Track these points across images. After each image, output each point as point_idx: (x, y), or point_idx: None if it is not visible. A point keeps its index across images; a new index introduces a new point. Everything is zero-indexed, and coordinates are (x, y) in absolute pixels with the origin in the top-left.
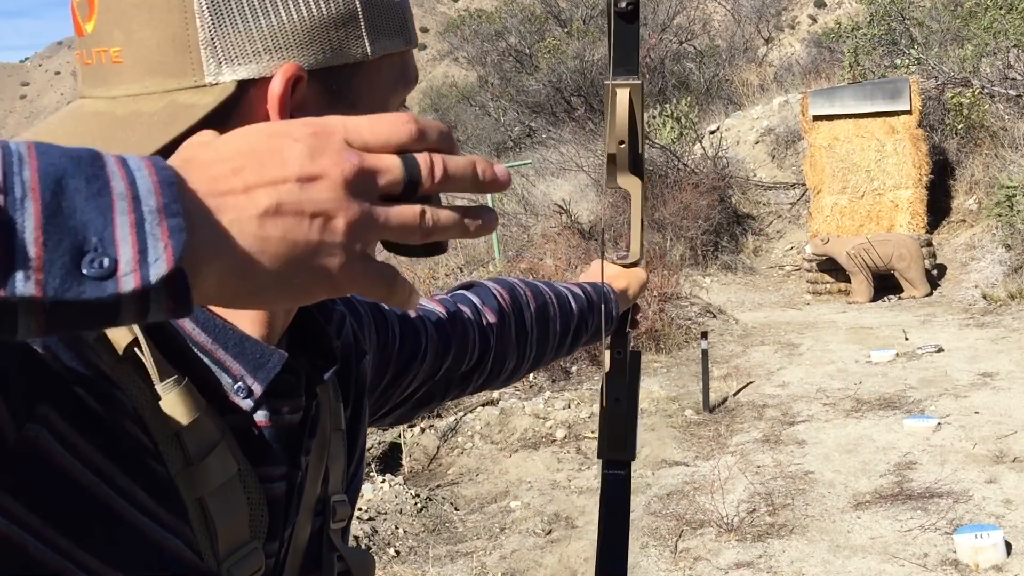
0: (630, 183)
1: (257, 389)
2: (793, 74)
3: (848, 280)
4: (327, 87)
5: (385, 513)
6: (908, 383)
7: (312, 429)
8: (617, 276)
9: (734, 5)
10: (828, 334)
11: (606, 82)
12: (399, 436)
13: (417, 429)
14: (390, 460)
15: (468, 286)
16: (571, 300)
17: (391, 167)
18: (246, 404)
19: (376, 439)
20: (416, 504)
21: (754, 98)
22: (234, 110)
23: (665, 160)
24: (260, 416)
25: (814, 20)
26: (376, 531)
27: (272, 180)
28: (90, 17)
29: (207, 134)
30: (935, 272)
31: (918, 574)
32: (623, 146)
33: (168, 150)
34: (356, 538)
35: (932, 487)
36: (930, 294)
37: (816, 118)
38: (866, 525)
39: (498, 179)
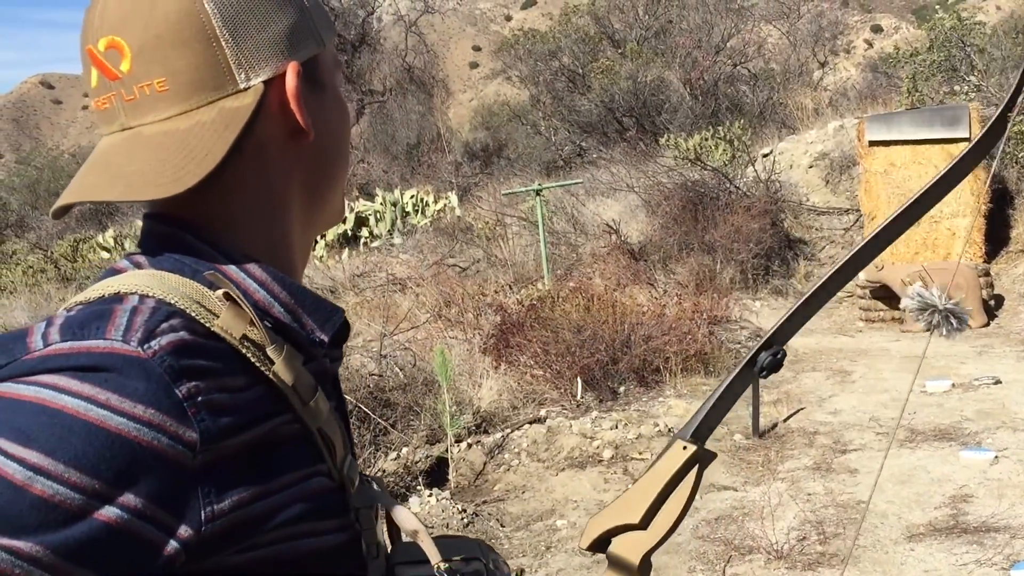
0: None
1: (325, 340)
2: (848, 99)
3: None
4: (310, 76)
5: (432, 527)
6: (964, 415)
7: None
8: None
9: (790, 28)
10: (881, 362)
11: (694, 448)
12: (446, 451)
13: (464, 445)
14: (436, 474)
15: None
16: None
17: None
18: (318, 353)
19: (423, 453)
20: (463, 519)
21: (808, 122)
22: (261, 105)
23: (717, 183)
24: (326, 363)
25: (870, 45)
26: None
27: None
28: (123, 60)
29: None
30: (992, 303)
31: None
32: (666, 536)
33: (235, 147)
34: None
35: (988, 521)
36: (987, 325)
37: (872, 143)
38: (920, 558)
39: None
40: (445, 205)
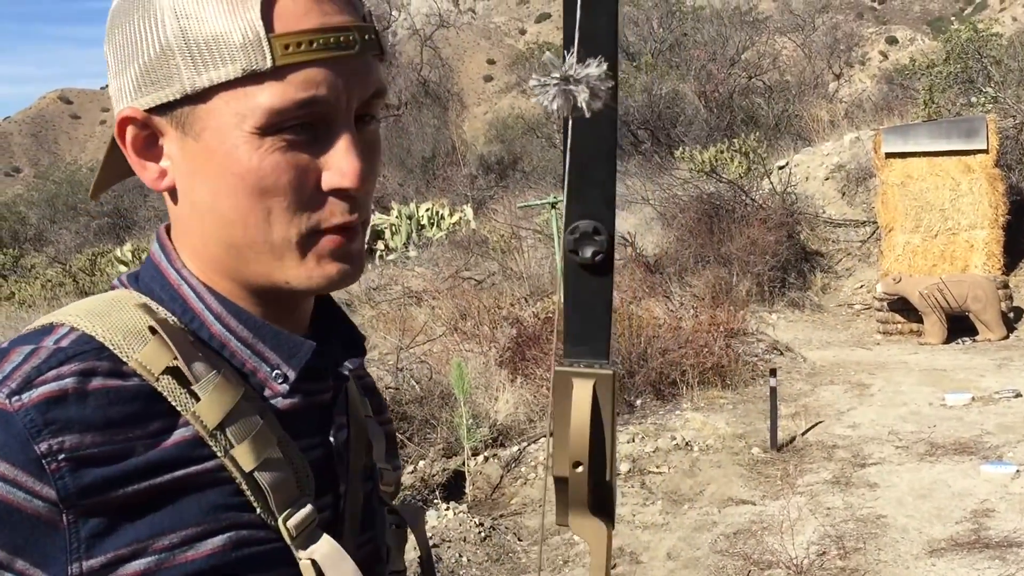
0: (589, 529)
1: (291, 375)
2: (864, 110)
3: (920, 321)
4: (174, 120)
5: (449, 541)
6: (985, 428)
7: (344, 406)
8: None
9: (804, 40)
10: (900, 375)
11: (556, 368)
12: (463, 464)
13: (481, 458)
14: (454, 488)
15: None
16: None
17: None
18: (283, 388)
19: (440, 466)
20: (480, 533)
21: (824, 134)
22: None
23: (733, 195)
24: (295, 398)
25: (885, 56)
26: (440, 559)
27: None
28: None
29: None
30: (1012, 315)
31: None
32: (580, 470)
33: (107, 160)
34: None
35: (1011, 536)
36: (1006, 337)
37: (889, 155)
38: (941, 573)
39: None
40: (460, 218)
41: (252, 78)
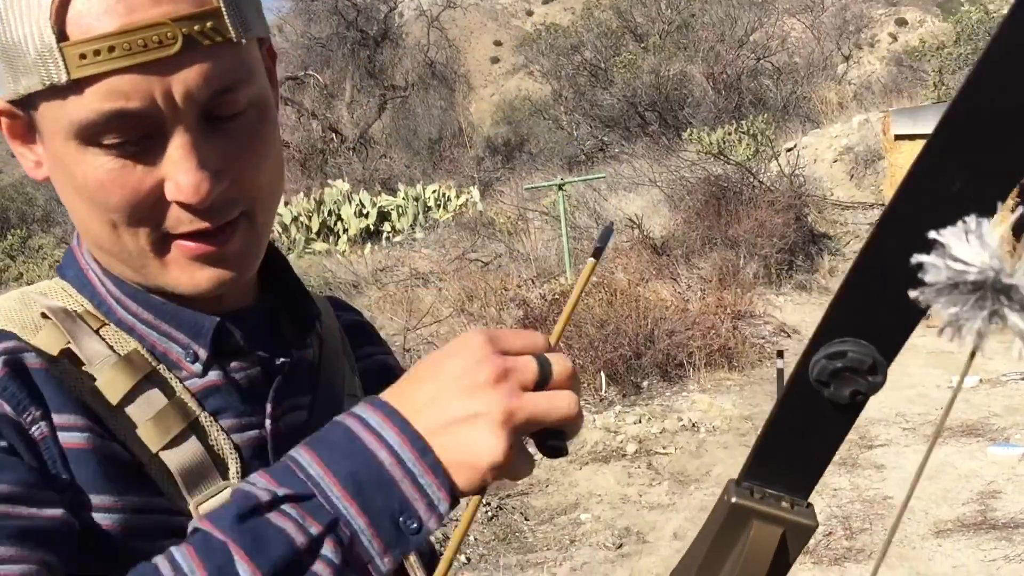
0: None
1: (203, 354)
2: (873, 92)
3: None
4: (31, 119)
5: (456, 519)
6: (992, 410)
7: (290, 382)
8: None
9: (813, 22)
10: (907, 357)
11: (734, 499)
12: None
13: None
14: None
15: None
16: None
17: (528, 367)
18: (195, 368)
19: None
20: (487, 512)
21: (833, 116)
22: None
23: (740, 177)
24: (213, 376)
25: (895, 38)
26: (447, 537)
27: (452, 394)
28: None
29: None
30: None
31: None
32: None
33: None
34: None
35: (1017, 517)
36: None
37: (898, 137)
38: (948, 553)
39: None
40: (467, 200)
41: (54, 91)
